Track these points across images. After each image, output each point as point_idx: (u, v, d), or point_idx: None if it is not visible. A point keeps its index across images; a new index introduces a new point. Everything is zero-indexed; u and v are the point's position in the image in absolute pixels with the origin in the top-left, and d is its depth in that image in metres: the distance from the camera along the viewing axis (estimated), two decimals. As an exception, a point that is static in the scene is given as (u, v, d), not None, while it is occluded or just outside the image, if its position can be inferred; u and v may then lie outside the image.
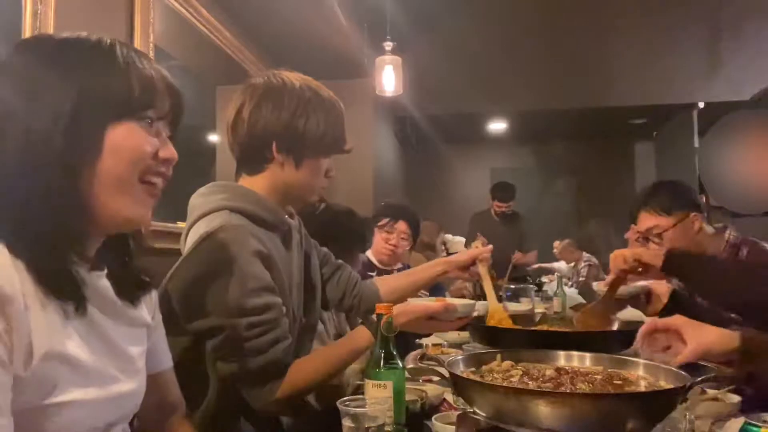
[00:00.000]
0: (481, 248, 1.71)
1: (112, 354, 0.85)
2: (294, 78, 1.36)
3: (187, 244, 1.27)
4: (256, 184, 1.36)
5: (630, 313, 1.98)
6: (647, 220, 2.09)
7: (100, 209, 0.80)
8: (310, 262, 1.51)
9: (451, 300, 1.47)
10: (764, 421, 1.11)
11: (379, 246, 2.82)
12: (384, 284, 1.69)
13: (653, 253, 1.70)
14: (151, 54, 2.26)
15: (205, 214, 1.29)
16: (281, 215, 1.36)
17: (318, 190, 1.41)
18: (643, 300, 1.97)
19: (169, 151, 0.86)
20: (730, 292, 1.62)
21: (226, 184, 1.37)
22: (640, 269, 1.71)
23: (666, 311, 1.85)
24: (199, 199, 1.35)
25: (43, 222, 0.75)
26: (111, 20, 2.13)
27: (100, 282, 0.85)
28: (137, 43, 2.21)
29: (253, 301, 1.18)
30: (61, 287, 0.76)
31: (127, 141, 0.80)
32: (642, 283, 1.94)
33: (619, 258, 1.73)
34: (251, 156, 1.36)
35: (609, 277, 1.78)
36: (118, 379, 0.85)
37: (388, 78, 3.80)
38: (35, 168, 0.75)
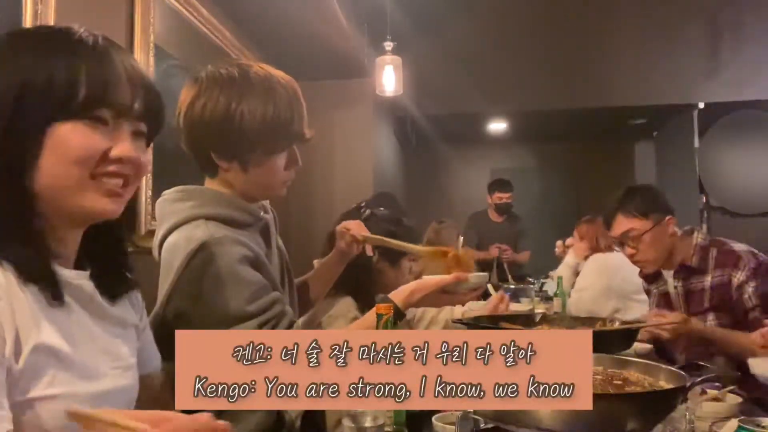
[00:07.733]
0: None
1: (100, 351, 0.86)
2: (220, 67, 1.25)
3: (164, 256, 1.23)
4: (220, 186, 1.30)
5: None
6: (624, 224, 2.08)
7: (60, 205, 0.80)
8: (284, 255, 1.48)
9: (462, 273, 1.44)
10: (760, 426, 1.11)
11: None
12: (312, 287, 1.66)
13: None
14: (151, 54, 2.25)
15: (179, 224, 1.23)
16: (256, 212, 1.32)
17: (281, 185, 1.33)
18: None
19: (123, 149, 0.82)
20: None
21: (194, 189, 1.30)
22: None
23: None
24: (168, 207, 1.28)
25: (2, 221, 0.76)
26: (111, 20, 2.12)
27: (82, 281, 0.85)
28: (137, 43, 2.21)
29: (256, 304, 1.18)
30: (36, 277, 0.77)
31: (68, 140, 0.78)
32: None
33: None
34: (201, 164, 1.30)
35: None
36: (107, 375, 0.85)
37: (388, 78, 3.79)
38: None
